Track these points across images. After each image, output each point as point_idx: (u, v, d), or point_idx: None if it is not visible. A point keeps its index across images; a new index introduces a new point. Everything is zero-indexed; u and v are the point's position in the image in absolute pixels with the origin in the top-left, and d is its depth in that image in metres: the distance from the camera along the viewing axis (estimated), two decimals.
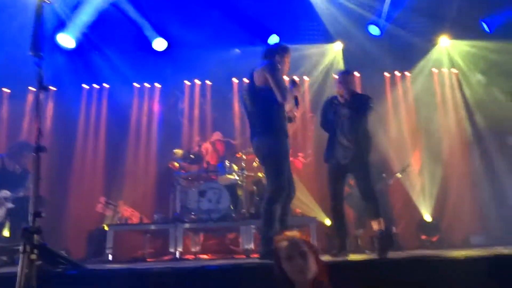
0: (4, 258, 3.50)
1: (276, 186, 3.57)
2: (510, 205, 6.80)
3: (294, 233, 2.14)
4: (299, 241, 2.08)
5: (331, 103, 4.32)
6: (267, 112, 3.61)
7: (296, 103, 3.83)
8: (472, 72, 7.79)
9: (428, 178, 7.36)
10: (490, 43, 7.19)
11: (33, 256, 2.05)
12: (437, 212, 7.10)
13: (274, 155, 3.59)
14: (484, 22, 6.95)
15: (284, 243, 2.10)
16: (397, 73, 8.32)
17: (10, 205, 5.43)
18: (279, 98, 3.52)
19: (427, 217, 6.99)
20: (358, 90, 7.90)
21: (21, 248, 2.07)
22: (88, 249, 6.20)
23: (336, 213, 4.22)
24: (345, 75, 4.38)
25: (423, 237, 6.62)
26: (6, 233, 5.61)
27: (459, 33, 7.52)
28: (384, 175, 6.38)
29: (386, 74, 8.30)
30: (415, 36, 7.31)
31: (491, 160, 7.35)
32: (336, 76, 4.54)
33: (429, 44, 7.80)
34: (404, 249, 5.60)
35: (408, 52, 7.74)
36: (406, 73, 8.27)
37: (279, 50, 3.86)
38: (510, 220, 6.41)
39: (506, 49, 7.01)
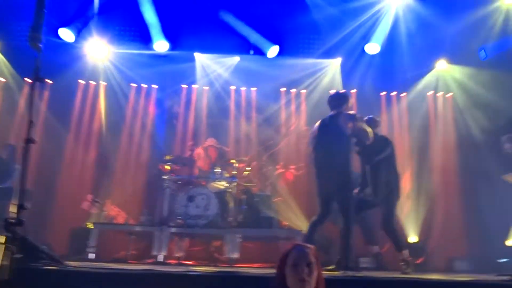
0: None
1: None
2: (494, 231, 6.76)
3: (306, 244, 2.12)
4: (309, 252, 2.07)
5: None
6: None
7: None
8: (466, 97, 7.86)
9: (417, 199, 7.38)
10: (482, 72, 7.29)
11: (13, 249, 2.01)
12: (424, 234, 7.10)
13: None
14: (483, 50, 7.02)
15: (294, 251, 2.08)
16: (392, 94, 8.39)
17: None
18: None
19: (413, 239, 6.98)
20: (354, 108, 8.07)
21: (0, 239, 2.04)
22: (70, 246, 6.11)
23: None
24: None
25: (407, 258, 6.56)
26: None
27: (457, 59, 7.62)
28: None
29: (382, 93, 8.37)
30: (412, 57, 7.38)
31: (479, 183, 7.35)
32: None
33: (427, 66, 7.89)
34: (387, 270, 5.58)
35: (404, 73, 7.82)
36: (402, 94, 8.35)
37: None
38: (493, 246, 6.40)
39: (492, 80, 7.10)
